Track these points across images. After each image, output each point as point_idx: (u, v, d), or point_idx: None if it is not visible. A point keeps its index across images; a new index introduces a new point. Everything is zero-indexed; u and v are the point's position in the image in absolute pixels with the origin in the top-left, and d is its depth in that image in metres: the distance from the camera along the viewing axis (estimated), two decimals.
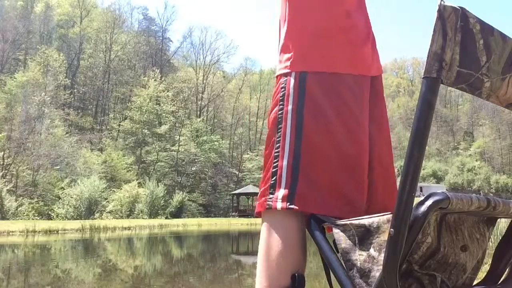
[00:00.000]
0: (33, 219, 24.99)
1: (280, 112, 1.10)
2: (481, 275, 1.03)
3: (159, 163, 47.71)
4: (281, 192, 1.03)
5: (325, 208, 1.02)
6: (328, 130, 1.06)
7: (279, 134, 1.08)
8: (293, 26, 1.17)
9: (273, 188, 1.05)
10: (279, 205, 1.02)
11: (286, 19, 1.19)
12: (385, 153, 1.21)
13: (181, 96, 56.14)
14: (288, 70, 1.12)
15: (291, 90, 1.09)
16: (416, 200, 0.75)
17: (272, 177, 1.06)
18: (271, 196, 1.05)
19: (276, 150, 1.08)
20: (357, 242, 0.89)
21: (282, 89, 1.11)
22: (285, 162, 1.05)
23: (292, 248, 1.02)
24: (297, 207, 1.01)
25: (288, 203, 1.02)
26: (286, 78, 1.12)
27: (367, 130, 1.12)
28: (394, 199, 1.18)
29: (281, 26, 1.21)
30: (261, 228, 1.08)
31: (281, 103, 1.10)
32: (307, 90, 1.08)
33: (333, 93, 1.09)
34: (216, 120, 61.50)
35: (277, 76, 1.16)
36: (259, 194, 1.10)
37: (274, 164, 1.07)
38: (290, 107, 1.08)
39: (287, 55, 1.14)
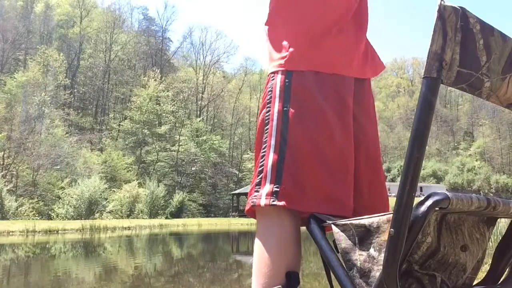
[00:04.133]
0: (33, 219, 24.97)
1: (267, 114, 1.12)
2: (481, 275, 1.03)
3: (159, 163, 47.71)
4: (265, 190, 1.05)
5: (309, 205, 1.03)
6: (313, 130, 1.08)
7: (266, 135, 1.11)
8: (284, 25, 1.19)
9: (259, 186, 1.07)
10: (263, 201, 1.04)
11: (278, 17, 1.21)
12: (372, 153, 1.22)
13: (181, 96, 56.13)
14: (278, 69, 1.14)
15: (277, 92, 1.12)
16: (416, 200, 0.75)
17: (258, 176, 1.09)
18: (256, 194, 1.07)
19: (263, 150, 1.10)
20: (357, 242, 0.89)
21: (269, 92, 1.14)
22: (270, 161, 1.07)
23: (285, 246, 1.04)
24: (280, 204, 1.02)
25: (271, 200, 1.03)
26: (273, 80, 1.14)
27: (351, 130, 1.14)
28: (381, 199, 1.21)
29: (271, 23, 1.23)
30: (257, 225, 1.10)
31: (268, 105, 1.13)
32: (292, 90, 1.10)
33: (318, 93, 1.11)
34: (216, 120, 61.50)
35: (268, 74, 1.19)
36: (248, 194, 1.13)
37: (261, 163, 1.10)
38: (276, 108, 1.10)
39: (279, 54, 1.16)
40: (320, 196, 1.05)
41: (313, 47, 1.14)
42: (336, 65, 1.15)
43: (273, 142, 1.08)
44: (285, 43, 1.16)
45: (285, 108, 1.09)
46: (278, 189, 1.04)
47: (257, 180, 1.08)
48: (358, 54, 1.20)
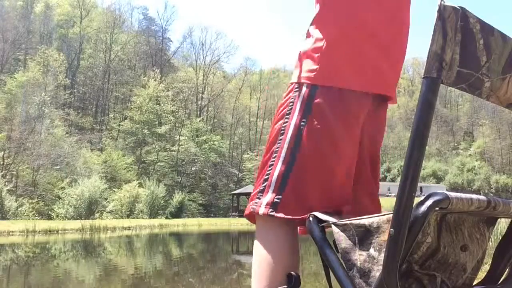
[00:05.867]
0: (33, 219, 24.97)
1: (284, 125, 1.14)
2: (481, 275, 1.03)
3: (159, 163, 47.71)
4: (266, 199, 1.09)
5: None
6: (325, 148, 1.11)
7: (278, 145, 1.13)
8: (317, 39, 1.19)
9: (261, 193, 1.11)
10: (261, 210, 1.08)
11: (317, 27, 1.21)
12: (376, 168, 1.26)
13: (181, 96, 56.13)
14: (304, 81, 1.15)
15: (298, 105, 1.13)
16: (416, 200, 0.75)
17: (263, 184, 1.12)
18: (257, 200, 1.10)
19: (272, 159, 1.13)
20: (357, 242, 0.89)
21: (290, 104, 1.15)
22: (276, 171, 1.10)
23: (281, 253, 1.07)
24: (278, 215, 1.06)
25: (270, 210, 1.07)
26: (296, 92, 1.15)
27: (357, 145, 1.17)
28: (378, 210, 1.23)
29: (310, 34, 1.23)
30: (256, 231, 1.13)
31: (286, 117, 1.15)
32: (313, 106, 1.12)
33: (337, 110, 1.13)
34: (216, 120, 61.49)
35: (292, 83, 1.19)
36: (249, 197, 1.15)
37: (267, 172, 1.12)
38: (293, 121, 1.12)
39: (309, 65, 1.16)
40: (318, 209, 1.07)
41: (347, 63, 1.15)
42: (364, 82, 1.16)
43: (283, 153, 1.11)
44: (317, 55, 1.16)
45: (302, 123, 1.11)
46: (278, 201, 1.07)
47: (261, 187, 1.11)
48: (385, 68, 1.21)
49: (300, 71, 1.17)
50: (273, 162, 1.12)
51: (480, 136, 73.41)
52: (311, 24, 1.23)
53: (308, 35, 1.23)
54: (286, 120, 1.14)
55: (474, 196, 0.82)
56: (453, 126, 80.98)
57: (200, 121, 55.01)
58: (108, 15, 58.39)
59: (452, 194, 0.77)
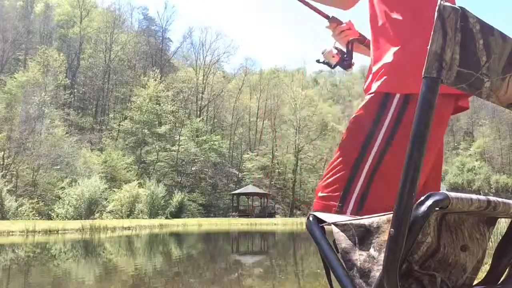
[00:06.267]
0: (33, 219, 24.96)
1: (370, 135, 1.14)
2: (481, 275, 1.03)
3: (159, 163, 47.68)
4: (349, 210, 1.13)
5: None
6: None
7: (361, 154, 1.14)
8: (397, 45, 1.18)
9: (342, 202, 1.14)
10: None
11: (390, 37, 1.20)
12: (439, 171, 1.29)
13: (181, 96, 56.10)
14: (394, 91, 1.14)
15: (388, 119, 1.12)
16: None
17: (342, 191, 1.14)
18: (340, 206, 1.14)
19: (353, 169, 1.14)
20: (357, 242, 0.88)
21: (378, 115, 1.13)
22: (358, 187, 1.13)
23: None
24: None
25: None
26: (386, 101, 1.13)
27: (436, 151, 1.19)
28: None
29: (381, 42, 1.23)
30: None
31: (372, 128, 1.14)
32: (403, 119, 1.11)
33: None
34: (216, 120, 61.43)
35: (380, 91, 1.16)
36: (321, 191, 1.18)
37: (348, 182, 1.14)
38: (381, 135, 1.12)
39: (391, 75, 1.15)
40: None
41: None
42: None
43: (366, 168, 1.12)
44: (402, 63, 1.15)
45: (389, 139, 1.12)
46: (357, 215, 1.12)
47: (342, 194, 1.14)
48: None
49: (386, 80, 1.15)
50: (354, 174, 1.13)
51: (480, 136, 73.36)
52: (382, 36, 1.22)
53: (383, 45, 1.21)
54: (372, 130, 1.13)
55: (474, 196, 0.82)
56: (453, 126, 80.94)
57: (200, 121, 54.95)
58: (108, 15, 58.34)
59: (452, 194, 0.77)
